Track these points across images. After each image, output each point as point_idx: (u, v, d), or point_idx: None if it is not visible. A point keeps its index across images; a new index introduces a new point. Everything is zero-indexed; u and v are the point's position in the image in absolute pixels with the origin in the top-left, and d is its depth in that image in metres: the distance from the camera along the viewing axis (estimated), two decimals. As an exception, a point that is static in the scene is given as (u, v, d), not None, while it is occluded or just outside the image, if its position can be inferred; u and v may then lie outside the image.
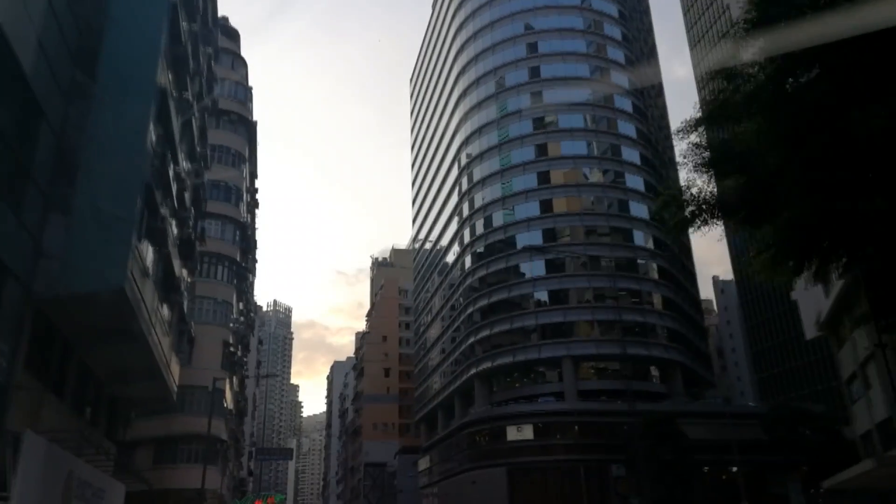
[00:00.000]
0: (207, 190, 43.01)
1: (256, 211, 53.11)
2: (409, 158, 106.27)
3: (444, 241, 78.58)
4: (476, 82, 71.77)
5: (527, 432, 53.62)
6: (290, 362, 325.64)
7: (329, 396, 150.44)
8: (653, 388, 57.97)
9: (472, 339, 64.35)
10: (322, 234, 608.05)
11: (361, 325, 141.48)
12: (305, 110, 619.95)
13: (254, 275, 56.24)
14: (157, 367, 22.44)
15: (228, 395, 44.82)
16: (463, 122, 72.85)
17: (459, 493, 58.61)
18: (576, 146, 64.04)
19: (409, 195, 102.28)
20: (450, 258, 75.24)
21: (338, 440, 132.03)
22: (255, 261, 56.18)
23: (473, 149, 69.95)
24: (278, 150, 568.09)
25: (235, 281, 45.31)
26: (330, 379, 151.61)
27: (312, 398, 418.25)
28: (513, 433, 54.08)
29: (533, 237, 62.15)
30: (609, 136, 65.00)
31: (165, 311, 24.18)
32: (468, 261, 67.63)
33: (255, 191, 52.59)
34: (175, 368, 26.98)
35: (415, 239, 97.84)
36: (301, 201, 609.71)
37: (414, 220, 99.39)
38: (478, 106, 71.00)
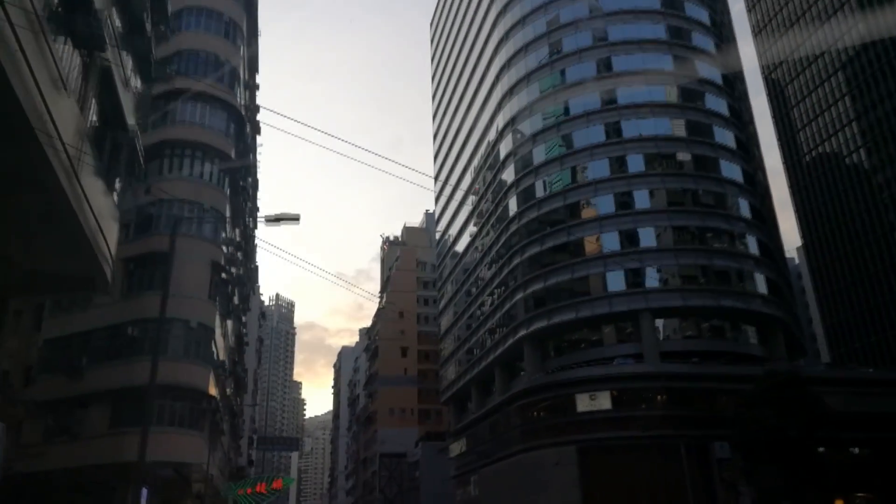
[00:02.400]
0: (185, 62, 31.68)
1: (259, 124, 41.58)
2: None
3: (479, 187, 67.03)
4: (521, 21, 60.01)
5: (603, 401, 42.13)
6: (292, 359, 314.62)
7: (336, 385, 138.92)
8: (750, 351, 46.40)
9: (519, 295, 52.79)
10: (322, 234, 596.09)
11: (363, 325, 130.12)
12: (306, 107, 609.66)
13: (254, 198, 44.68)
14: (71, 212, 11.44)
15: (220, 342, 33.35)
16: (504, 43, 61.30)
17: (508, 480, 47.10)
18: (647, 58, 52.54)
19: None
20: (486, 205, 63.55)
21: (346, 432, 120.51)
22: (257, 186, 44.67)
23: (518, 70, 58.41)
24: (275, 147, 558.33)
25: (229, 191, 33.86)
26: (337, 366, 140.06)
27: (313, 401, 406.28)
28: (584, 403, 42.57)
29: (598, 168, 50.68)
30: (682, 48, 53.42)
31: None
32: (513, 204, 56.06)
33: (256, 87, 41.15)
34: (112, 233, 15.56)
35: (438, 196, 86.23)
36: (300, 199, 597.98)
37: (436, 177, 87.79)
38: (521, 22, 59.54)
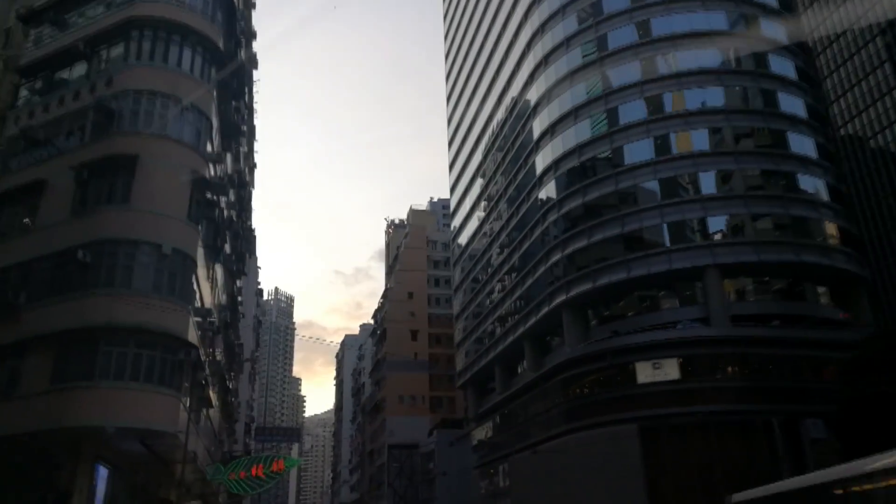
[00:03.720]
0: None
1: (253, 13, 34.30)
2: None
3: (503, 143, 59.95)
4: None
5: (670, 370, 35.14)
6: (291, 354, 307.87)
7: (339, 376, 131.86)
8: (830, 314, 39.43)
9: (556, 256, 45.79)
10: (319, 233, 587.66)
11: (362, 321, 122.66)
12: (304, 102, 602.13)
13: (251, 141, 37.66)
14: None
15: (206, 288, 26.34)
16: (536, 6, 53.92)
17: (548, 467, 40.16)
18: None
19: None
20: (509, 178, 56.53)
21: (351, 424, 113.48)
22: (253, 97, 37.59)
23: (555, 35, 51.12)
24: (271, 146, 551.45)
25: (217, 100, 26.86)
26: (339, 356, 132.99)
27: (312, 399, 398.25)
28: (646, 373, 35.59)
29: (642, 107, 43.67)
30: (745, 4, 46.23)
31: None
32: (547, 153, 49.02)
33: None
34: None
35: (452, 164, 78.94)
36: (299, 200, 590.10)
37: (450, 143, 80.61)
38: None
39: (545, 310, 46.82)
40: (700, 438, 33.57)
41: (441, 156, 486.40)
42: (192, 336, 22.22)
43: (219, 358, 33.74)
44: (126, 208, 21.31)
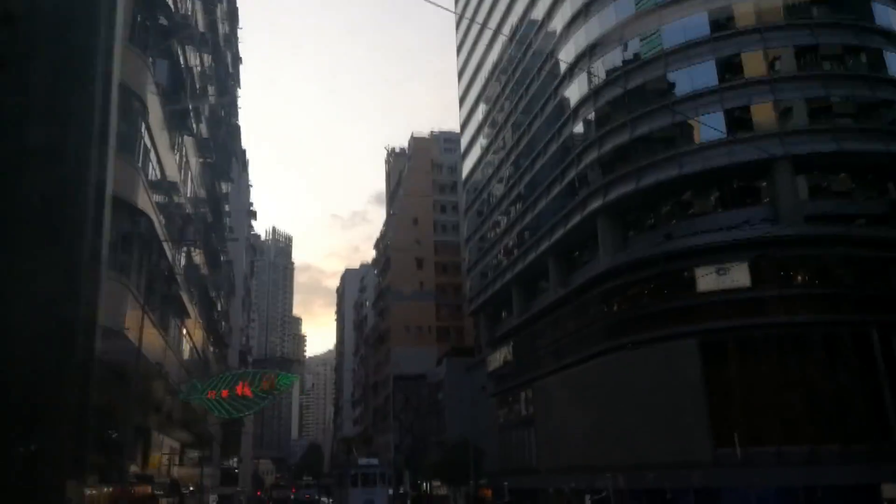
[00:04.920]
0: None
1: None
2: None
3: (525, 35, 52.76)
4: None
5: (738, 276, 29.46)
6: (291, 293, 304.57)
7: (339, 310, 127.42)
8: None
9: (591, 156, 39.64)
10: (316, 176, 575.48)
11: (361, 263, 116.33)
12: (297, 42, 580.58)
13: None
14: None
15: (168, 158, 20.25)
16: None
17: (581, 391, 35.15)
18: None
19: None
20: (541, 42, 49.26)
21: (353, 358, 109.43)
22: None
23: None
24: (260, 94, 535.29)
25: None
26: (340, 290, 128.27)
27: (313, 340, 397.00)
28: (708, 280, 29.91)
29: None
30: None
31: None
32: (581, 35, 42.16)
33: None
34: None
35: (462, 98, 71.21)
36: (294, 143, 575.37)
37: (460, 74, 72.78)
38: None
39: (576, 219, 40.97)
40: (773, 355, 28.25)
41: (439, 97, 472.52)
42: (145, 203, 16.28)
43: (197, 262, 27.99)
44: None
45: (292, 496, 77.69)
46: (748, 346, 28.62)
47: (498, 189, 57.47)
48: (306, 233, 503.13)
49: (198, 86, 25.95)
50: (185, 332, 25.87)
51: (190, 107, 23.75)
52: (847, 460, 26.03)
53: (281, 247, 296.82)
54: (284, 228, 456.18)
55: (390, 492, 48.85)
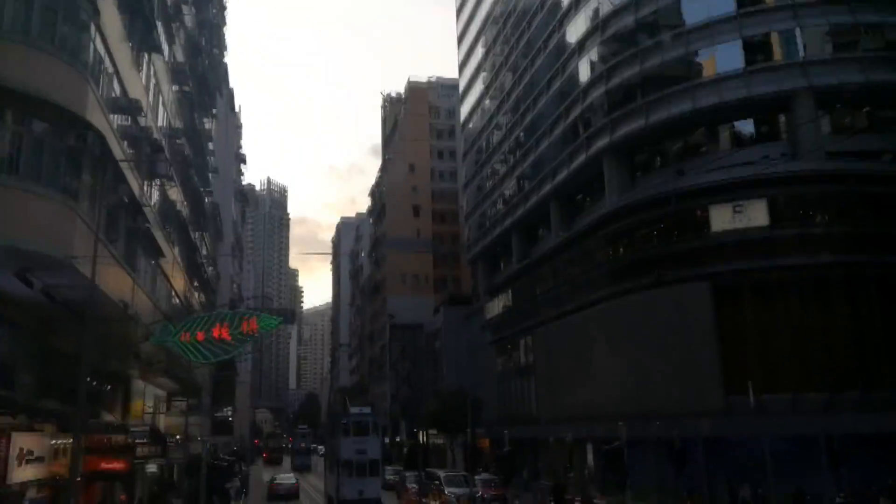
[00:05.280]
0: None
1: None
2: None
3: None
4: None
5: (755, 215, 27.56)
6: (287, 245, 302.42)
7: (335, 260, 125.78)
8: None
9: (598, 91, 37.25)
10: (313, 128, 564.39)
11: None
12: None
13: None
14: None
15: (130, 74, 17.99)
16: None
17: (582, 338, 33.66)
18: None
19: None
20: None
21: (349, 308, 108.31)
22: None
23: None
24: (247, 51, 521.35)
25: None
26: (335, 240, 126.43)
27: (310, 293, 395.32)
28: (722, 219, 28.03)
29: None
30: None
31: None
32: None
33: None
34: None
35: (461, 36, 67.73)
36: (294, 92, 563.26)
37: (459, 11, 69.02)
38: None
39: (581, 159, 38.85)
40: (791, 298, 26.61)
41: (441, 48, 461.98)
42: (97, 119, 14.14)
43: (174, 198, 25.91)
44: None
45: (288, 445, 77.37)
46: (764, 289, 26.92)
47: (497, 131, 55.05)
48: (303, 185, 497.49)
49: (168, 1, 23.44)
50: (161, 273, 23.98)
51: (158, 23, 21.31)
52: (866, 408, 24.66)
53: (276, 198, 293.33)
54: (280, 180, 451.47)
55: (386, 440, 47.75)
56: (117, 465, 19.00)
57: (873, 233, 26.60)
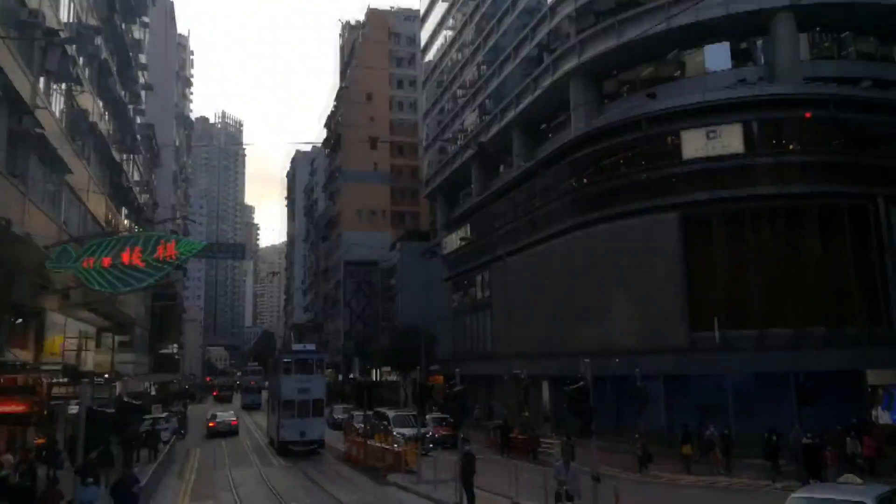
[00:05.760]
0: None
1: None
2: None
3: None
4: None
5: (730, 141, 25.73)
6: (243, 181, 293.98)
7: (290, 195, 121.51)
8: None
9: (566, 10, 34.48)
10: (271, 61, 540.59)
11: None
12: None
13: None
14: None
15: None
16: None
17: (542, 270, 32.04)
18: None
19: None
20: None
21: (304, 245, 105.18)
22: None
23: None
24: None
25: None
26: (290, 174, 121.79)
27: (267, 231, 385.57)
28: (694, 146, 26.18)
29: None
30: None
31: None
32: None
33: None
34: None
35: None
36: (252, 24, 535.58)
37: None
38: None
39: (546, 83, 36.38)
40: (762, 230, 25.19)
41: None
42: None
43: (87, 108, 22.65)
44: None
45: (237, 382, 75.50)
46: (734, 220, 25.40)
47: (459, 55, 51.82)
48: (261, 120, 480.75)
49: None
50: (71, 193, 21.01)
51: None
52: (833, 344, 23.72)
53: (231, 132, 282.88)
54: (237, 114, 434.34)
55: (340, 377, 45.92)
56: (18, 407, 16.69)
57: (850, 163, 25.14)
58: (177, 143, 57.56)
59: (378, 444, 23.33)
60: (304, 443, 26.52)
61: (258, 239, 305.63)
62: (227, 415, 39.19)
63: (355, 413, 33.67)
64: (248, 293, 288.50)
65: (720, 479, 19.71)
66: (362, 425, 25.76)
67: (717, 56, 30.27)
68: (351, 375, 63.48)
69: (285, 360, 28.65)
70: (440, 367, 47.84)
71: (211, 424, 36.58)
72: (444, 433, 28.71)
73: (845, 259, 24.50)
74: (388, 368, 53.79)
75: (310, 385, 27.09)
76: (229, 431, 35.83)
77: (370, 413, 29.03)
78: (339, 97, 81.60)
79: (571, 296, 30.25)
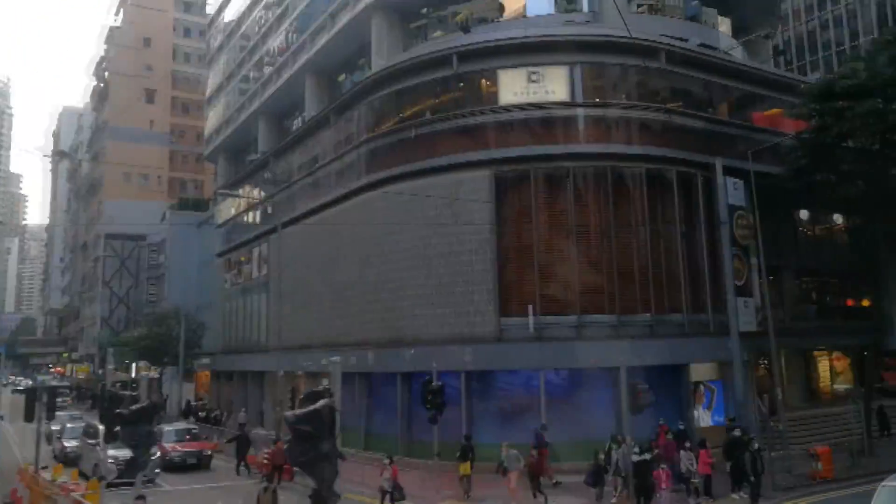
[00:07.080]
0: None
1: None
2: None
3: None
4: None
5: (552, 87, 21.26)
6: (9, 144, 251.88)
7: (54, 158, 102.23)
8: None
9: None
10: (45, 10, 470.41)
11: None
12: None
13: None
14: None
15: None
16: None
17: (330, 240, 25.84)
18: None
19: None
20: None
21: (65, 216, 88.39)
22: None
23: None
24: None
25: None
26: (56, 132, 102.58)
27: (37, 204, 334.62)
28: (514, 90, 21.35)
29: None
30: None
31: None
32: None
33: None
34: None
35: None
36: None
37: None
38: None
39: (344, 20, 30.02)
40: (587, 194, 20.97)
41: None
42: None
43: None
44: None
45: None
46: (554, 182, 20.98)
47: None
48: (32, 77, 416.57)
49: None
50: None
51: None
52: (656, 334, 20.26)
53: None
54: (4, 71, 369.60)
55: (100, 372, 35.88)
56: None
57: (679, 125, 21.93)
58: None
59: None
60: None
61: (26, 212, 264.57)
62: None
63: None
64: (11, 274, 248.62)
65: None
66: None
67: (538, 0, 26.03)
68: (100, 371, 52.32)
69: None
70: (211, 361, 39.71)
71: None
72: (184, 450, 21.69)
73: (672, 236, 21.19)
74: (145, 362, 44.13)
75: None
76: None
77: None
78: (109, 39, 68.16)
79: (362, 274, 24.29)
